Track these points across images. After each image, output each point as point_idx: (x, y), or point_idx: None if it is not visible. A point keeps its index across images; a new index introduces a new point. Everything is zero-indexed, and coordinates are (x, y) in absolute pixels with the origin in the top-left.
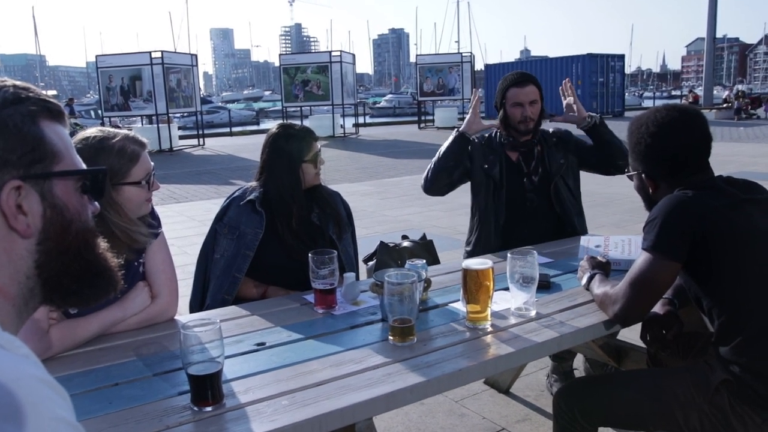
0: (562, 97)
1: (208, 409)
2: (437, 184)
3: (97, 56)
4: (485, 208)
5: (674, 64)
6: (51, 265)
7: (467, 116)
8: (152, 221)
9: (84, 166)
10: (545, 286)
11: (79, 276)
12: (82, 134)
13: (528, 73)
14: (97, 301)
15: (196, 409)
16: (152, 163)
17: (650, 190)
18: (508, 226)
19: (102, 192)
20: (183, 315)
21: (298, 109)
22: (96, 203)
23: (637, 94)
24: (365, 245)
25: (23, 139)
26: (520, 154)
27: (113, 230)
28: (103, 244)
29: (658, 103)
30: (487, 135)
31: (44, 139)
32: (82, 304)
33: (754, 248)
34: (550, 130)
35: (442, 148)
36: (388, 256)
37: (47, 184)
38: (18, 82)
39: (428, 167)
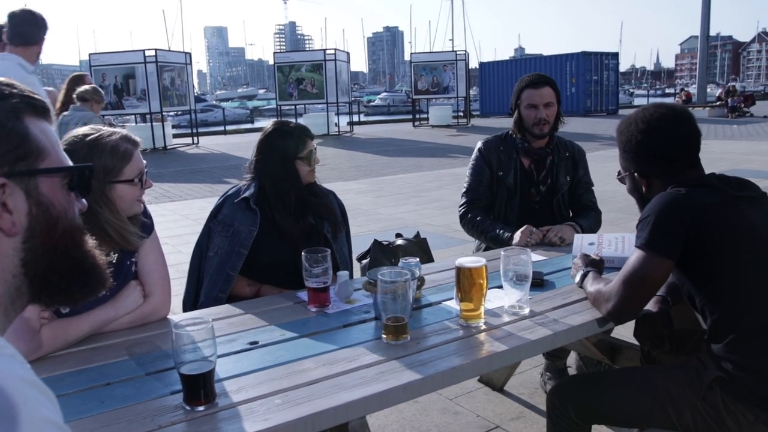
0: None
1: (201, 408)
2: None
3: (90, 54)
4: (497, 216)
5: (668, 62)
6: (37, 263)
7: (519, 235)
8: (145, 220)
9: (70, 163)
10: (539, 283)
11: (67, 274)
12: (74, 132)
13: (546, 75)
14: (85, 299)
15: (188, 408)
16: (145, 162)
17: (643, 190)
18: None
19: (88, 189)
20: (176, 314)
21: (293, 107)
22: (83, 201)
23: (628, 92)
24: (359, 243)
25: (7, 136)
26: (532, 162)
27: (106, 229)
28: (90, 241)
29: (651, 101)
30: (502, 136)
31: (29, 136)
32: (71, 303)
33: (747, 245)
34: (567, 142)
35: (488, 235)
36: (381, 254)
37: (32, 182)
38: (1, 79)
39: (468, 221)
